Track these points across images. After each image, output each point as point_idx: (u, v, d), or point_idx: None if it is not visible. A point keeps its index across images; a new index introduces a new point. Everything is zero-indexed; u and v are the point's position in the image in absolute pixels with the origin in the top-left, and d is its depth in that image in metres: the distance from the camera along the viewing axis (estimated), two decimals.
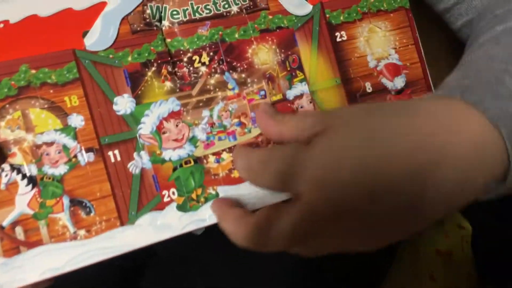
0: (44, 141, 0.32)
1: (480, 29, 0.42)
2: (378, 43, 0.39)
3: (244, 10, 0.36)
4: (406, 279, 0.60)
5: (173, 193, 0.34)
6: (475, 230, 0.65)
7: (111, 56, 0.33)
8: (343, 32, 0.38)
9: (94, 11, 0.33)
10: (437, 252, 0.66)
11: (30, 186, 0.31)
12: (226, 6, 0.36)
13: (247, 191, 0.35)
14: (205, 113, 0.35)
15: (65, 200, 0.32)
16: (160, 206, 0.33)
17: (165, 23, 0.35)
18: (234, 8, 0.36)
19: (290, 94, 0.37)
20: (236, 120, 0.36)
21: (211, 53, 0.35)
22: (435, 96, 0.32)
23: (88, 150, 0.32)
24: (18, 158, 0.31)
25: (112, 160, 0.33)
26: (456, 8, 0.47)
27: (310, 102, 0.37)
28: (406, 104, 0.30)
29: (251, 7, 0.37)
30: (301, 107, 0.37)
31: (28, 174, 0.31)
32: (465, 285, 0.63)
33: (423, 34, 0.42)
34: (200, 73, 0.35)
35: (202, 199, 0.34)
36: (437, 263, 0.65)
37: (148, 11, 0.35)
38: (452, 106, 0.30)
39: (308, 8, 0.38)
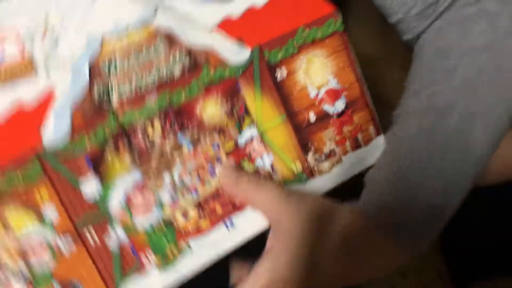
0: (26, 240, 0.35)
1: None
2: (317, 72, 0.41)
3: (186, 70, 0.38)
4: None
5: (150, 254, 0.38)
6: (445, 229, 0.68)
7: (69, 147, 0.35)
8: (283, 68, 0.40)
9: (45, 105, 0.35)
10: None
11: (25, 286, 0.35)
12: (169, 70, 0.38)
13: (219, 235, 0.39)
14: (166, 177, 0.38)
15: (56, 285, 0.35)
16: (141, 269, 0.37)
17: (114, 100, 0.36)
18: (177, 71, 0.38)
19: (241, 140, 0.40)
20: (195, 176, 0.39)
21: (163, 119, 0.37)
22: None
23: (66, 236, 0.35)
24: (7, 260, 0.34)
25: (90, 240, 0.36)
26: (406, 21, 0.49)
27: (261, 143, 0.40)
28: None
29: (193, 65, 0.38)
30: (253, 150, 0.40)
31: (21, 276, 0.35)
32: (436, 283, 0.70)
33: None
34: (156, 141, 0.38)
35: (176, 253, 0.38)
36: (408, 262, 0.67)
37: (96, 92, 0.36)
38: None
39: (246, 54, 0.39)
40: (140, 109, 0.37)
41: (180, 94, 0.38)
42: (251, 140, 0.40)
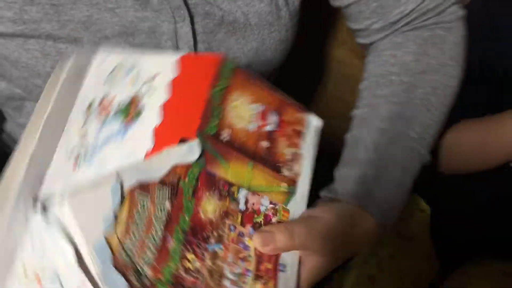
0: None
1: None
2: (242, 110, 0.45)
3: (172, 198, 0.39)
4: (367, 258, 0.69)
5: None
6: (434, 213, 0.75)
7: None
8: (223, 130, 0.43)
9: None
10: (398, 234, 0.74)
11: None
12: (163, 209, 0.38)
13: (283, 281, 0.44)
14: (226, 282, 0.40)
15: None
16: None
17: (148, 272, 0.37)
18: (167, 204, 0.39)
19: (242, 206, 0.43)
20: (239, 261, 0.42)
21: (189, 248, 0.39)
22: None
23: None
24: None
25: None
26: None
27: (253, 194, 0.44)
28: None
29: (173, 189, 0.39)
30: (254, 204, 0.44)
31: None
32: (425, 267, 0.73)
33: None
34: (198, 267, 0.39)
35: None
36: (398, 246, 0.73)
37: (135, 282, 0.36)
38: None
39: (196, 147, 0.41)
40: (170, 258, 0.38)
41: (184, 218, 0.39)
42: (247, 199, 0.43)
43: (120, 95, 0.43)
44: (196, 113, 0.42)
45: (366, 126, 0.54)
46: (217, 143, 0.42)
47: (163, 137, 0.40)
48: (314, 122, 0.50)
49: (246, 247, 0.42)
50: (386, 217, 0.51)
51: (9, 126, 0.64)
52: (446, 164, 0.65)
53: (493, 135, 0.62)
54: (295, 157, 0.47)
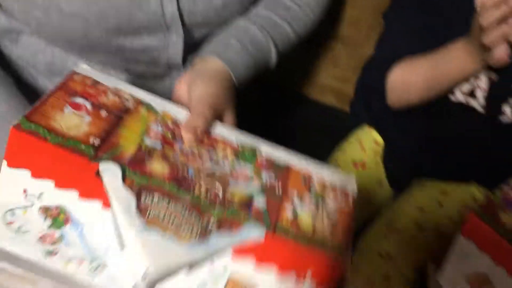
0: None
1: None
2: None
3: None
4: None
5: None
6: (386, 145, 0.84)
7: None
8: None
9: None
10: (354, 163, 0.84)
11: None
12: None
13: None
14: None
15: None
16: None
17: None
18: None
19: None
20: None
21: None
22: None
23: None
24: None
25: None
26: None
27: None
28: None
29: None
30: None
31: None
32: (376, 190, 0.82)
33: None
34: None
35: None
36: (353, 172, 0.81)
37: None
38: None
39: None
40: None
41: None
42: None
43: None
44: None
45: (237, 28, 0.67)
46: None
47: None
48: None
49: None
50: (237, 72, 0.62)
51: (5, 58, 0.68)
52: (393, 100, 0.75)
53: (437, 70, 0.70)
54: None
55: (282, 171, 0.52)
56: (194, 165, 0.49)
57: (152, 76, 0.68)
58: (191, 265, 0.43)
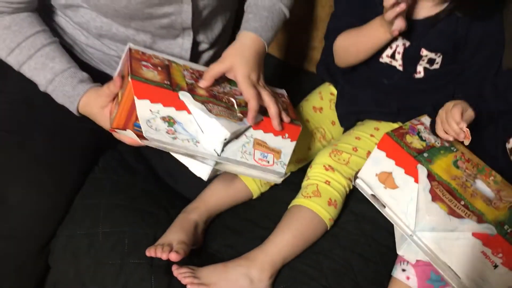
0: None
1: None
2: None
3: None
4: None
5: None
6: (338, 95, 1.14)
7: None
8: None
9: None
10: (313, 108, 1.13)
11: None
12: None
13: None
14: None
15: None
16: None
17: None
18: None
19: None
20: None
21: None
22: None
23: None
24: None
25: None
26: None
27: None
28: None
29: None
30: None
31: None
32: (330, 128, 1.12)
33: None
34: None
35: None
36: (312, 114, 1.12)
37: None
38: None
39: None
40: None
41: None
42: None
43: None
44: None
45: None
46: None
47: None
48: None
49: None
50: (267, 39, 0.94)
51: (69, 26, 0.96)
52: (339, 61, 1.05)
53: (363, 37, 1.00)
54: None
55: None
56: (215, 89, 0.89)
57: (169, 36, 0.98)
58: (238, 135, 0.85)
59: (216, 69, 0.89)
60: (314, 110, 1.14)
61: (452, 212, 0.81)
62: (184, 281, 0.85)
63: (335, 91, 1.16)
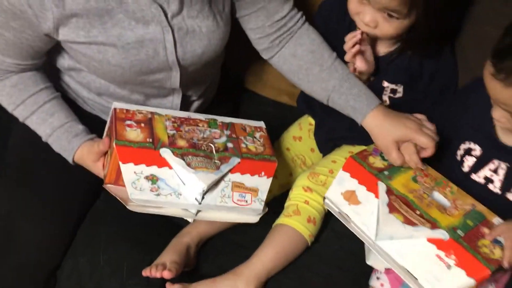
0: None
1: None
2: None
3: None
4: None
5: None
6: (316, 124, 1.24)
7: None
8: None
9: None
10: (293, 137, 1.25)
11: None
12: None
13: None
14: None
15: None
16: None
17: None
18: None
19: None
20: None
21: None
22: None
23: None
24: None
25: None
26: None
27: None
28: None
29: None
30: None
31: None
32: (310, 154, 1.23)
33: None
34: None
35: None
36: (293, 143, 1.24)
37: None
38: None
39: None
40: None
41: None
42: None
43: None
44: None
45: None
46: None
47: None
48: None
49: None
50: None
51: (72, 83, 1.09)
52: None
53: None
54: None
55: (231, 126, 1.02)
56: (195, 136, 0.98)
57: (161, 95, 1.11)
58: (217, 182, 0.94)
59: None
60: (294, 139, 1.26)
61: (407, 221, 0.90)
62: None
63: (313, 122, 1.28)
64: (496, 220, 0.92)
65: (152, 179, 0.91)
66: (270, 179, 1.00)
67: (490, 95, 0.89)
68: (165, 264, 0.98)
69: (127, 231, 1.07)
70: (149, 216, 1.11)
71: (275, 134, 1.27)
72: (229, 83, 1.36)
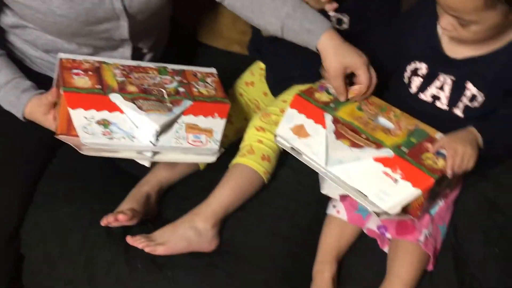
0: None
1: None
2: None
3: None
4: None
5: None
6: (267, 68, 1.26)
7: None
8: None
9: None
10: (245, 83, 1.27)
11: None
12: None
13: None
14: None
15: None
16: None
17: None
18: None
19: None
20: None
21: None
22: None
23: None
24: None
25: None
26: None
27: None
28: None
29: None
30: None
31: None
32: (263, 98, 1.25)
33: None
34: None
35: None
36: (245, 88, 1.25)
37: None
38: None
39: None
40: None
41: None
42: None
43: None
44: None
45: None
46: None
47: None
48: None
49: None
50: None
51: (18, 41, 1.08)
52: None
53: None
54: None
55: (182, 73, 1.03)
56: (145, 82, 0.99)
57: (110, 47, 1.10)
58: (171, 124, 0.95)
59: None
60: (246, 85, 1.28)
61: (354, 145, 0.93)
62: (139, 246, 0.96)
63: (264, 66, 1.29)
64: (439, 135, 0.96)
65: (104, 123, 0.91)
66: (224, 120, 1.02)
67: (438, 1, 0.92)
68: (121, 212, 1.00)
69: (86, 185, 1.08)
70: (108, 169, 1.14)
71: (228, 83, 1.29)
72: (180, 36, 1.37)
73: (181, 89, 1.01)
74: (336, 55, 0.99)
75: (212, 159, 1.01)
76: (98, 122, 0.91)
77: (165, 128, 0.95)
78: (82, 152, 0.90)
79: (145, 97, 0.96)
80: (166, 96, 0.98)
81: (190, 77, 1.05)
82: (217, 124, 1.01)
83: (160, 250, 0.97)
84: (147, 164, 0.97)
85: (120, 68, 1.00)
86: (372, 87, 1.01)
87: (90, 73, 0.96)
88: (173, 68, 1.05)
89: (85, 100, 0.91)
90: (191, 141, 0.98)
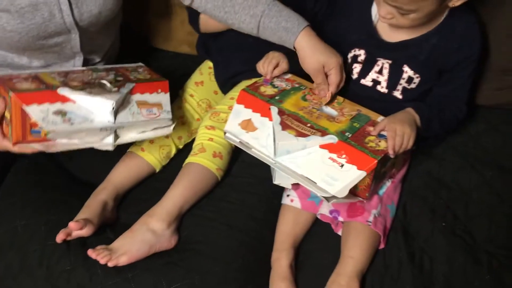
0: None
1: None
2: None
3: None
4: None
5: None
6: (215, 67, 1.29)
7: None
8: None
9: None
10: (195, 83, 1.28)
11: None
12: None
13: None
14: None
15: None
16: None
17: None
18: None
19: None
20: None
21: None
22: None
23: None
24: None
25: None
26: None
27: None
28: None
29: None
30: None
31: None
32: (213, 96, 1.26)
33: None
34: None
35: None
36: (195, 88, 1.27)
37: None
38: None
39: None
40: None
41: None
42: None
43: None
44: None
45: None
46: None
47: None
48: None
49: None
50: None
51: None
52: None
53: None
54: None
55: (114, 69, 1.06)
56: (85, 79, 1.00)
57: (61, 60, 1.10)
58: (123, 103, 0.99)
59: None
60: (196, 85, 1.30)
61: (299, 134, 0.97)
62: (102, 261, 0.96)
63: (211, 65, 1.31)
64: (380, 119, 1.00)
65: (61, 113, 0.93)
66: (168, 94, 1.07)
67: None
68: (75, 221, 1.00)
69: (42, 197, 1.08)
70: (64, 178, 1.14)
71: (179, 84, 1.30)
72: (131, 42, 1.37)
73: (119, 78, 1.04)
74: (316, 54, 1.02)
75: (169, 130, 1.05)
76: (55, 113, 0.92)
77: (119, 106, 0.98)
78: (49, 151, 0.92)
79: (90, 87, 0.99)
80: (108, 84, 1.01)
81: (123, 71, 1.08)
82: (163, 98, 1.06)
83: (123, 260, 0.97)
84: (111, 148, 0.99)
85: (56, 73, 1.02)
86: (339, 88, 1.04)
87: (30, 79, 0.97)
88: (105, 67, 1.09)
89: (36, 96, 0.92)
90: (145, 114, 1.02)
